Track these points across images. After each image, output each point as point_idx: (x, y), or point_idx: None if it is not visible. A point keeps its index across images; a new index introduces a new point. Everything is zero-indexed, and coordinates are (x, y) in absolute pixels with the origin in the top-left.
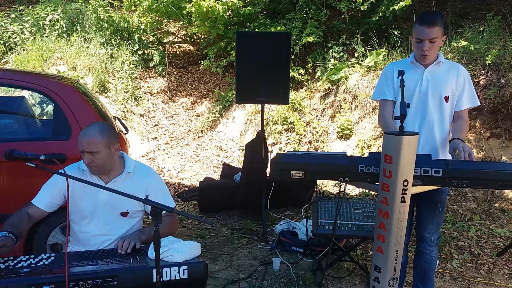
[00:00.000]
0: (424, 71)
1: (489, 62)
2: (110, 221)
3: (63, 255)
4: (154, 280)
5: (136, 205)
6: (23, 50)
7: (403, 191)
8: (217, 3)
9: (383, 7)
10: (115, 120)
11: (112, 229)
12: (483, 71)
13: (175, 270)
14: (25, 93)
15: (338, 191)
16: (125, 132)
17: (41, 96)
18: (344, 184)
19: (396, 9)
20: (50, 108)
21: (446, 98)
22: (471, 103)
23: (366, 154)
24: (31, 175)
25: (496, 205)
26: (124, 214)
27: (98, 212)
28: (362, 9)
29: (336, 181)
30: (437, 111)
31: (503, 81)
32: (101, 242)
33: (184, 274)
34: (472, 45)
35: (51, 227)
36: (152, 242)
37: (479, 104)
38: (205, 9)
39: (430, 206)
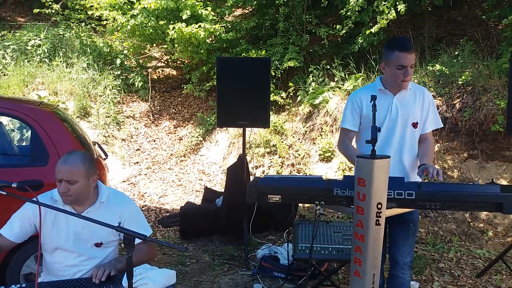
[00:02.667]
0: (393, 99)
1: (461, 82)
2: (83, 252)
3: (34, 286)
4: None
5: (111, 235)
6: (4, 75)
7: (378, 214)
8: (199, 29)
9: (361, 38)
10: (95, 145)
11: (85, 260)
12: (458, 94)
13: None
14: (3, 119)
15: (315, 215)
16: (104, 157)
17: (19, 122)
18: (320, 207)
19: (373, 31)
20: (27, 134)
21: (415, 124)
22: (435, 125)
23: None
24: (4, 202)
25: (475, 226)
26: (98, 245)
27: (70, 243)
28: (341, 34)
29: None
30: (406, 138)
31: (477, 103)
32: (74, 273)
33: None
34: (447, 69)
35: (25, 256)
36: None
37: (442, 125)
38: (187, 36)
39: (402, 227)
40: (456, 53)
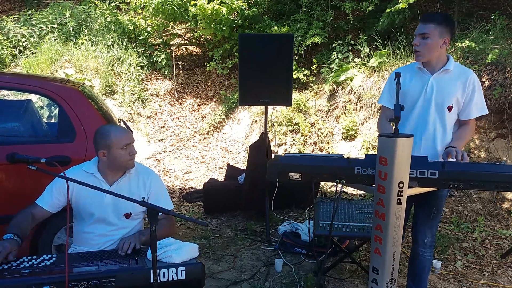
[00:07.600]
0: (429, 78)
1: (489, 61)
2: (113, 222)
3: (64, 256)
4: (152, 281)
5: (139, 206)
6: (32, 53)
7: (399, 193)
8: (221, 5)
9: (384, 19)
10: (120, 122)
11: (114, 230)
12: (488, 71)
13: (172, 271)
14: (32, 96)
15: (335, 193)
16: None
17: (47, 99)
18: (341, 186)
19: (393, 10)
20: (55, 111)
21: (450, 108)
22: (478, 112)
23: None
24: (35, 177)
25: (502, 206)
26: (127, 216)
27: (102, 213)
28: (367, 11)
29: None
30: (438, 120)
31: (508, 81)
32: (104, 242)
33: (181, 275)
34: (476, 45)
35: (57, 228)
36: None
37: (487, 112)
38: (209, 12)
39: (425, 209)
40: (488, 28)
